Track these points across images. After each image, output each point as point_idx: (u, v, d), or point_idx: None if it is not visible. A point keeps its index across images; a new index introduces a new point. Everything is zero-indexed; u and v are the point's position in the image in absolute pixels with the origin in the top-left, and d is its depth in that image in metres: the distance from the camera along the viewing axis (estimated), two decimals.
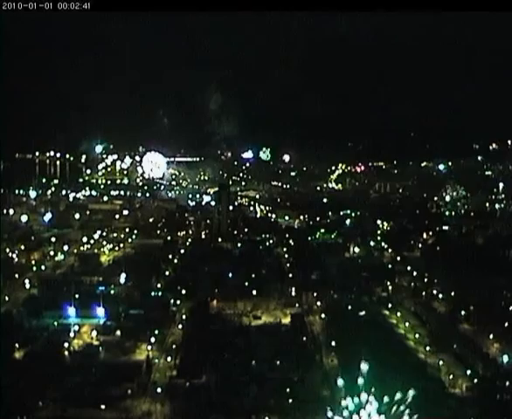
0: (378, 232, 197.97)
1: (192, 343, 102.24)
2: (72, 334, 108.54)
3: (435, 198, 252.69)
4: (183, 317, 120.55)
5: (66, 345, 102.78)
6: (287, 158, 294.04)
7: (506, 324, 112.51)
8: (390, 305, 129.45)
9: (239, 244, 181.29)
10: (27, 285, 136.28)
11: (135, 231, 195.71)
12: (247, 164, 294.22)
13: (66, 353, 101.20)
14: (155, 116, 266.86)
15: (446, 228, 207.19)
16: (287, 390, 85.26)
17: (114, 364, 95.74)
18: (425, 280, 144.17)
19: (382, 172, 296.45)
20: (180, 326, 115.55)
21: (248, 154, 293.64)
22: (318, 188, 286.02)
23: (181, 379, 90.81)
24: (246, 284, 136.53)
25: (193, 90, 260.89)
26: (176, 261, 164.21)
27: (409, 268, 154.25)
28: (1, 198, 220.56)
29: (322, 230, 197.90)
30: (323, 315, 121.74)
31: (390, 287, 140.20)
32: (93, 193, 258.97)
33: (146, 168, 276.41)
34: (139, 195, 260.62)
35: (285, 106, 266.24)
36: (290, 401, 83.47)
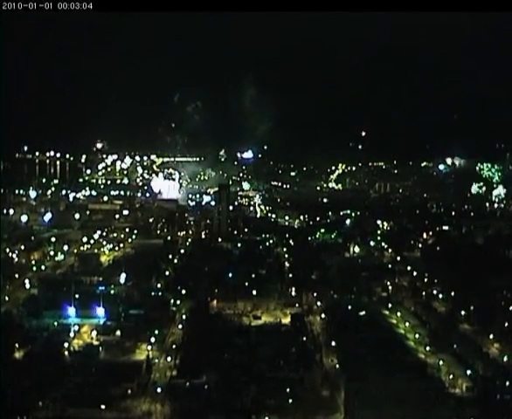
0: (378, 232, 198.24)
1: (192, 343, 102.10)
2: (72, 334, 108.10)
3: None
4: (183, 317, 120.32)
5: (66, 345, 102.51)
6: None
7: (506, 324, 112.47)
8: (390, 305, 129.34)
9: (239, 244, 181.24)
10: (27, 285, 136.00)
11: (135, 231, 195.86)
12: (247, 164, 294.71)
13: (66, 353, 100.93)
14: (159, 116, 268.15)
15: (446, 228, 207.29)
16: (287, 390, 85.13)
17: (114, 364, 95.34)
18: (425, 280, 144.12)
19: (382, 172, 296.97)
20: (180, 326, 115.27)
21: (248, 154, 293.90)
22: (318, 188, 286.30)
23: (181, 379, 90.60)
24: (246, 284, 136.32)
25: (193, 90, 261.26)
26: (176, 261, 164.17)
27: (409, 268, 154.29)
28: (1, 198, 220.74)
29: (322, 230, 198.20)
30: (323, 315, 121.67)
31: (390, 287, 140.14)
32: (93, 193, 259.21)
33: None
34: (139, 195, 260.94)
35: (286, 106, 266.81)
36: (290, 401, 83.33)
